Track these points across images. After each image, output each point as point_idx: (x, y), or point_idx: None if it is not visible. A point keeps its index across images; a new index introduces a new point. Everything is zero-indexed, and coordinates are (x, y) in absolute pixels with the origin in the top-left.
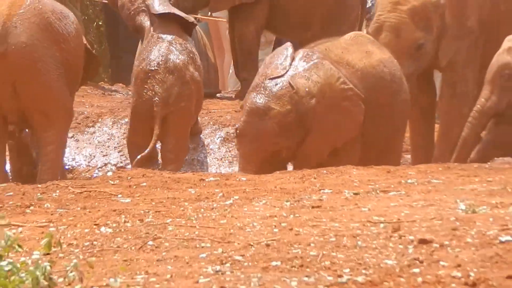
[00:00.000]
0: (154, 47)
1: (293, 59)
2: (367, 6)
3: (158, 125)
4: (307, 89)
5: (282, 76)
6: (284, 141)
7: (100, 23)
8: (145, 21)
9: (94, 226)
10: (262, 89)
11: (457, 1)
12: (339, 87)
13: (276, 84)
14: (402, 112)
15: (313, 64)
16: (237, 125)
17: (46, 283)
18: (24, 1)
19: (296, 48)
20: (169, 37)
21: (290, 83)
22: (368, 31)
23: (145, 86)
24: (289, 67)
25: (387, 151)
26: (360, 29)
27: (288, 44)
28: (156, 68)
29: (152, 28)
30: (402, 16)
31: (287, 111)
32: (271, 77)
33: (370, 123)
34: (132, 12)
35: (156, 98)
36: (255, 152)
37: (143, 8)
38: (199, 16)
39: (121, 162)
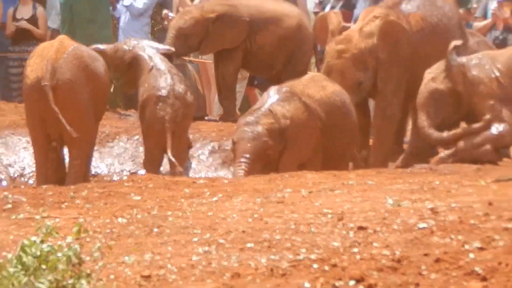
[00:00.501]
0: (159, 78)
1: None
2: (318, 50)
3: (169, 137)
4: (282, 113)
5: (262, 106)
6: (271, 142)
7: None
8: (142, 57)
9: (113, 217)
10: (250, 113)
11: (392, 39)
12: (303, 114)
13: (260, 110)
14: (351, 130)
15: (283, 96)
16: (233, 137)
17: (76, 260)
18: (67, 48)
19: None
20: (169, 69)
21: (269, 109)
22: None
23: (157, 107)
24: (266, 100)
25: (340, 159)
26: (318, 69)
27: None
28: (166, 94)
29: (150, 61)
30: (346, 62)
31: (271, 123)
32: (254, 107)
33: (327, 139)
34: (129, 50)
35: (167, 117)
36: (253, 150)
37: (139, 47)
38: (191, 58)
39: (134, 169)
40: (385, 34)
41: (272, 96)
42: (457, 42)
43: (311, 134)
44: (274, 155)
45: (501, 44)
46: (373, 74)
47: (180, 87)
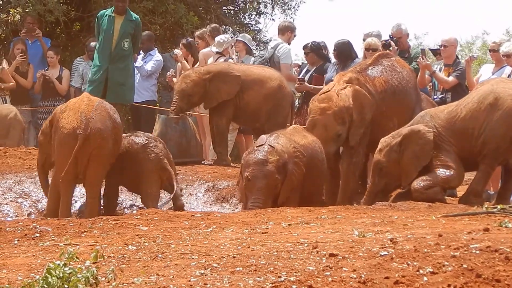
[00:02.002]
0: None
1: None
2: (295, 106)
3: (175, 178)
4: (280, 148)
5: (264, 144)
6: (280, 177)
7: (129, 117)
8: None
9: (125, 245)
10: (254, 151)
11: (360, 104)
12: (292, 149)
13: (263, 147)
14: (324, 172)
15: (276, 136)
16: (247, 175)
17: (94, 281)
18: (94, 102)
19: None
20: None
21: (270, 145)
22: (297, 121)
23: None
24: (264, 140)
25: (314, 197)
26: (290, 121)
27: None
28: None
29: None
30: (328, 117)
31: (277, 159)
32: (256, 145)
33: (307, 178)
34: None
35: (165, 160)
36: (265, 187)
37: None
38: (191, 112)
39: (141, 204)
40: (354, 99)
41: (268, 137)
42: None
43: (299, 166)
44: (280, 187)
45: (441, 102)
46: (348, 128)
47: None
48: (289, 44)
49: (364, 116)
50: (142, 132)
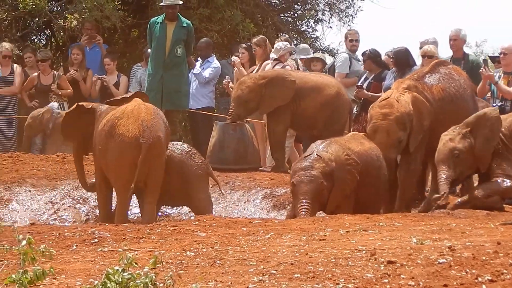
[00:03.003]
0: None
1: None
2: (354, 113)
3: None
4: (328, 157)
5: (312, 153)
6: (326, 183)
7: (186, 123)
8: None
9: (183, 251)
10: (302, 160)
11: (419, 111)
12: (344, 156)
13: (310, 156)
14: (382, 179)
15: (326, 143)
16: (292, 181)
17: (152, 286)
18: (151, 109)
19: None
20: None
21: (317, 154)
22: (355, 129)
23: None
24: (313, 149)
25: (371, 203)
26: (349, 129)
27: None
28: None
29: None
30: (390, 123)
31: (324, 166)
32: (305, 155)
33: (361, 185)
34: None
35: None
36: (311, 191)
37: None
38: (249, 119)
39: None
40: (413, 106)
41: (318, 145)
42: None
43: (352, 174)
44: (327, 194)
45: (500, 110)
46: (408, 135)
47: None
48: (353, 52)
49: (423, 122)
50: (174, 142)
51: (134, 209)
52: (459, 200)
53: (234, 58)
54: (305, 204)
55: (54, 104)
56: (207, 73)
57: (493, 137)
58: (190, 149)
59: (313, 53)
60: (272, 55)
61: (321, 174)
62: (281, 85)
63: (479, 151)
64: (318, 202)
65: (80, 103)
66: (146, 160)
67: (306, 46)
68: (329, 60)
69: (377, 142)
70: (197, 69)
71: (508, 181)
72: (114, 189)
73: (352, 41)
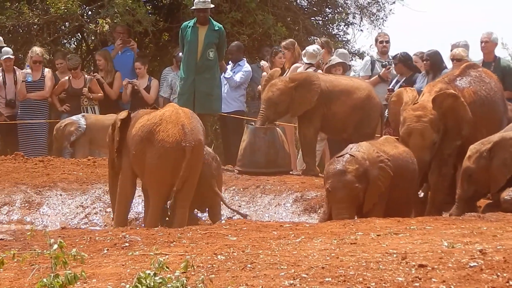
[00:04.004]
0: None
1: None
2: (385, 116)
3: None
4: (361, 156)
5: (345, 153)
6: (360, 186)
7: (217, 127)
8: None
9: (214, 255)
10: (334, 162)
11: (456, 115)
12: (376, 154)
13: (343, 157)
14: (414, 182)
15: (359, 145)
16: (327, 187)
17: None
18: (188, 113)
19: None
20: None
21: (350, 154)
22: (388, 132)
23: None
24: (346, 150)
25: (404, 206)
26: (381, 132)
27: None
28: None
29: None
30: (425, 125)
31: (357, 168)
32: (337, 156)
33: (395, 188)
34: None
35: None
36: (346, 197)
37: None
38: (280, 122)
39: (231, 215)
40: (450, 108)
41: (351, 147)
42: None
43: (384, 170)
44: (363, 195)
45: None
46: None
47: None
48: (383, 54)
49: (462, 130)
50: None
51: (137, 208)
52: (489, 203)
53: (263, 62)
54: (342, 212)
55: (81, 119)
56: (238, 77)
57: (511, 164)
58: (210, 152)
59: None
60: (305, 60)
61: (354, 177)
62: (307, 88)
63: (494, 172)
64: (354, 207)
65: (125, 111)
66: (189, 164)
67: (345, 51)
68: (359, 63)
69: (412, 145)
70: (228, 73)
71: None
72: (147, 193)
73: (382, 42)
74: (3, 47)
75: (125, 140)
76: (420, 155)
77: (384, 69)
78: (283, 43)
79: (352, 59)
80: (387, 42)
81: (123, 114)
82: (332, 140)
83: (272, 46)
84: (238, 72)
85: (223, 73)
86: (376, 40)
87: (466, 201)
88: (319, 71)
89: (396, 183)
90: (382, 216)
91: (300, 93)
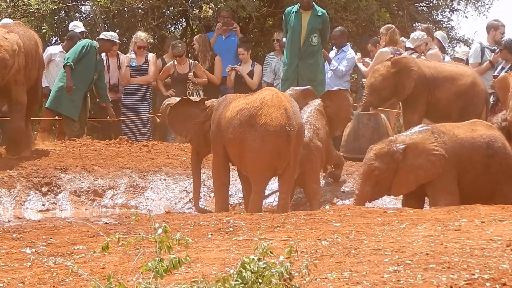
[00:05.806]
0: None
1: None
2: (490, 103)
3: None
4: (402, 139)
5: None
6: (377, 164)
7: None
8: None
9: (317, 240)
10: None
11: None
12: (429, 146)
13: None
14: (501, 169)
15: (418, 128)
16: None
17: (287, 276)
18: (288, 97)
19: None
20: None
21: (391, 137)
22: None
23: None
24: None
25: (498, 195)
26: (486, 119)
27: None
28: None
29: None
30: None
31: (381, 147)
32: None
33: (465, 175)
34: None
35: None
36: (362, 173)
37: None
38: (383, 108)
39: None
40: None
41: (413, 130)
42: None
43: (432, 163)
44: (383, 175)
45: None
46: None
47: None
48: (497, 42)
49: None
50: None
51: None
52: None
53: (358, 55)
54: (358, 187)
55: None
56: (343, 66)
57: None
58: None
59: (448, 42)
60: (408, 45)
61: (374, 155)
62: (406, 74)
63: None
64: (370, 184)
65: (186, 97)
66: (293, 148)
67: (444, 34)
68: (463, 49)
69: None
70: (333, 64)
71: None
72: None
73: (497, 29)
74: (84, 31)
75: (214, 124)
76: None
77: (493, 54)
78: (382, 29)
79: (456, 45)
80: (502, 33)
81: (171, 100)
82: None
83: (371, 36)
84: (343, 59)
85: (328, 65)
86: (491, 26)
87: None
88: (422, 57)
89: (464, 167)
90: (452, 201)
91: (400, 78)
